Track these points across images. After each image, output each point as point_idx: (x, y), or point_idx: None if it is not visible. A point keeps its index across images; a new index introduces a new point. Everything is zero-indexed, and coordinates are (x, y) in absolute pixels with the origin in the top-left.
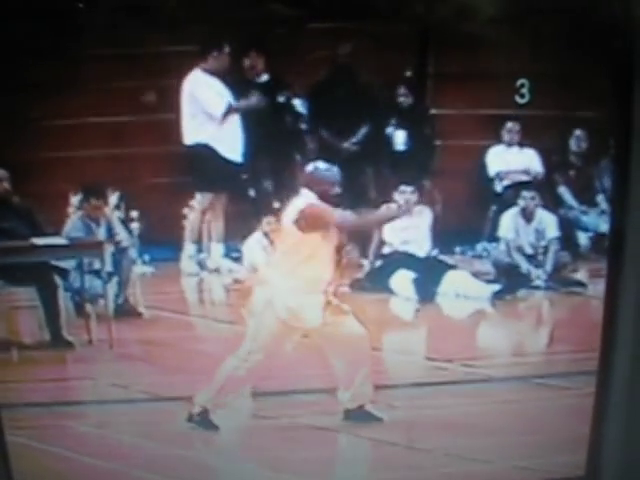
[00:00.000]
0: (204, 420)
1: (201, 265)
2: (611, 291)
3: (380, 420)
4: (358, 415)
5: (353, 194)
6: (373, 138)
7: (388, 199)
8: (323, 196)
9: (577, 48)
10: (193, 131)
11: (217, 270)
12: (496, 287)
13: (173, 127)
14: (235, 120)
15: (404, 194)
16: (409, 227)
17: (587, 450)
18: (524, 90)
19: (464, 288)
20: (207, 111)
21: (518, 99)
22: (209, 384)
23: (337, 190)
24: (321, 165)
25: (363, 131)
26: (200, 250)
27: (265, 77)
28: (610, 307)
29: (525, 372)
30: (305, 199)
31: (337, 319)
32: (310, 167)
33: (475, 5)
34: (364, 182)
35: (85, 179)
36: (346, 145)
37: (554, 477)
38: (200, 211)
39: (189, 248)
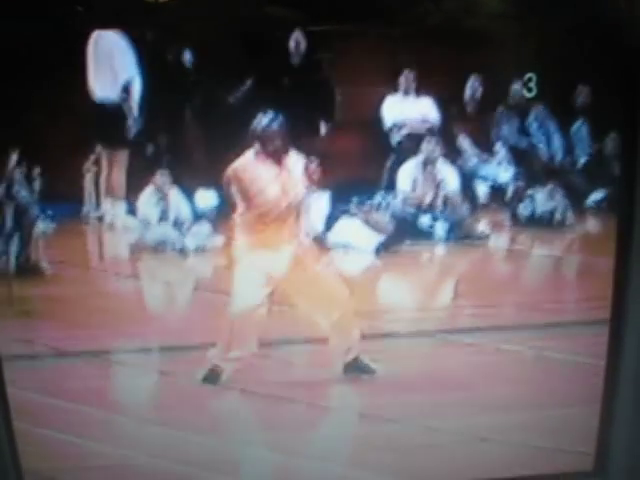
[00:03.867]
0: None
1: (100, 220)
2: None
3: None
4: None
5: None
6: (261, 87)
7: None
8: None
9: None
10: (101, 88)
11: (113, 226)
12: (381, 238)
13: (76, 83)
14: (135, 75)
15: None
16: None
17: (595, 446)
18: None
19: (353, 240)
20: (118, 69)
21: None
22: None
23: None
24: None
25: (250, 83)
26: (98, 205)
27: (160, 33)
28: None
29: (431, 327)
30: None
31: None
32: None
33: None
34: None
35: None
36: (233, 97)
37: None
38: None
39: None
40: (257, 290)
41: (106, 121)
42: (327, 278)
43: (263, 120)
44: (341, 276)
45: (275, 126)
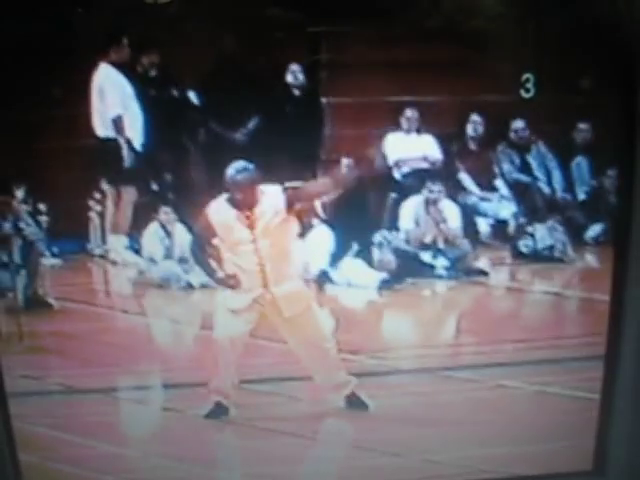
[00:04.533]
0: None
1: (105, 256)
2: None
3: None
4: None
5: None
6: (264, 128)
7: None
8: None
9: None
10: (102, 124)
11: (119, 262)
12: (384, 276)
13: (81, 121)
14: (137, 114)
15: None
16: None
17: (594, 445)
18: None
19: (357, 277)
20: (108, 104)
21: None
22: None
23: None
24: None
25: (254, 121)
26: (103, 242)
27: (159, 72)
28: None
29: (433, 364)
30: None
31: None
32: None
33: None
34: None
35: None
36: (237, 136)
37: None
38: (106, 203)
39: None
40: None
41: (108, 158)
42: (308, 321)
43: (233, 168)
44: (339, 313)
45: (246, 175)
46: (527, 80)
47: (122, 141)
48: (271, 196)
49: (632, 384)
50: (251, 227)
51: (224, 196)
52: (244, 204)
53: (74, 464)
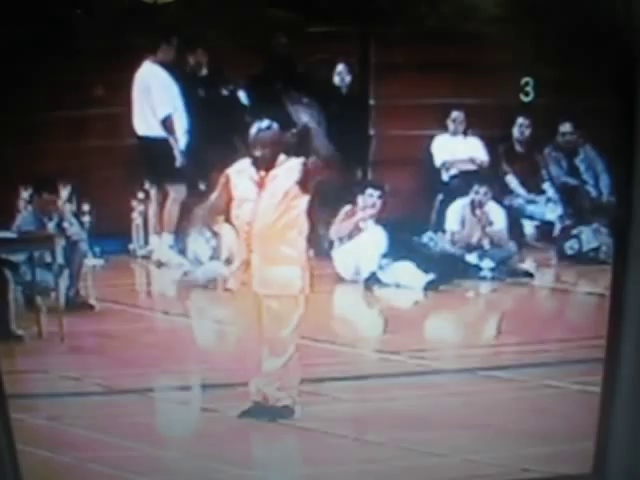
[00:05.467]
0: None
1: (149, 257)
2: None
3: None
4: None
5: None
6: (313, 130)
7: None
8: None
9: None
10: (144, 123)
11: (163, 263)
12: (430, 277)
13: (124, 120)
14: (184, 113)
15: (371, 197)
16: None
17: (594, 447)
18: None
19: (403, 278)
20: (156, 104)
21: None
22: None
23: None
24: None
25: (301, 122)
26: (146, 242)
27: (208, 70)
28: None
29: (474, 364)
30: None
31: None
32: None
33: None
34: None
35: (36, 173)
36: (287, 137)
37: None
38: (150, 203)
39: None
40: None
41: (153, 157)
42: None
43: (257, 125)
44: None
45: (268, 133)
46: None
47: (172, 140)
48: (290, 167)
49: (632, 387)
50: (260, 186)
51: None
52: (261, 163)
53: (111, 465)
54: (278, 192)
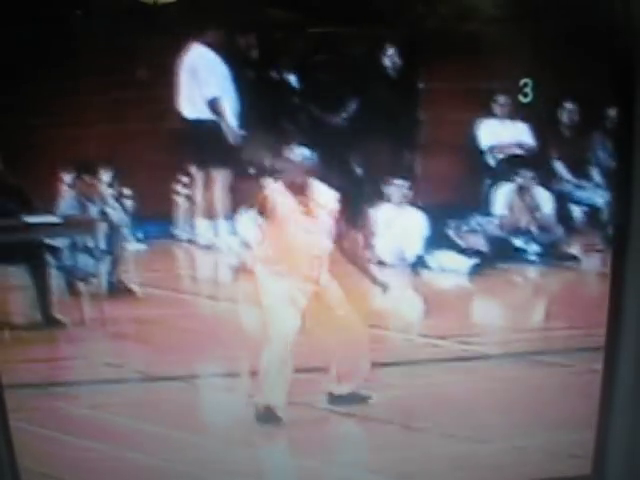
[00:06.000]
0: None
1: (192, 241)
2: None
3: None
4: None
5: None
6: (364, 113)
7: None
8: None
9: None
10: (191, 106)
11: (208, 247)
12: (475, 261)
13: (169, 103)
14: (232, 96)
15: (400, 188)
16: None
17: (593, 448)
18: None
19: (449, 262)
20: (203, 86)
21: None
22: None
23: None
24: (299, 151)
25: (353, 105)
26: (192, 227)
27: (258, 53)
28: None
29: (522, 349)
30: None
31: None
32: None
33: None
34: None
35: (78, 157)
36: (336, 120)
37: (560, 476)
38: (196, 187)
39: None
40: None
41: (200, 140)
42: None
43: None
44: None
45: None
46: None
47: (220, 123)
48: (326, 196)
49: (631, 387)
50: (309, 215)
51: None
52: (303, 191)
53: (152, 455)
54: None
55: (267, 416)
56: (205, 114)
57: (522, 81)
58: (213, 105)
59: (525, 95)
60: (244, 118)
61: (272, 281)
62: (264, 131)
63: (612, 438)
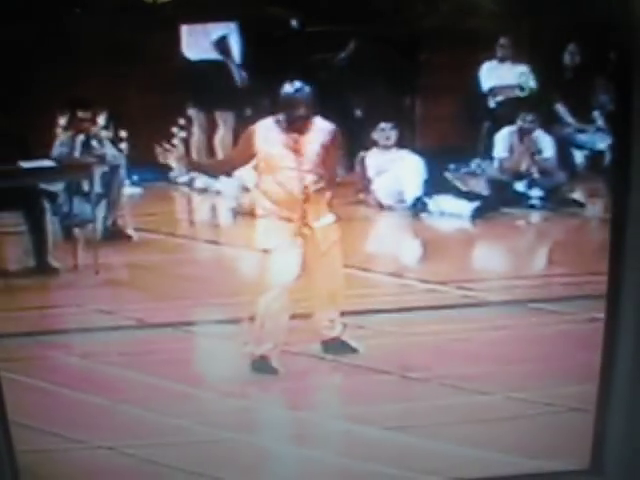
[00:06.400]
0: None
1: (189, 185)
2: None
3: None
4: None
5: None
6: (362, 53)
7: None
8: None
9: None
10: (194, 45)
11: (206, 191)
12: (476, 204)
13: (169, 42)
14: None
15: (397, 130)
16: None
17: (591, 443)
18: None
19: (449, 206)
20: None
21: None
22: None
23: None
24: (291, 86)
25: (351, 46)
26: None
27: None
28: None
29: (522, 296)
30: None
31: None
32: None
33: None
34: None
35: (73, 97)
36: (334, 59)
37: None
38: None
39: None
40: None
41: (201, 82)
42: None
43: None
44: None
45: (302, 95)
46: None
47: (228, 62)
48: (322, 129)
49: (630, 381)
50: (297, 152)
51: (272, 118)
52: (293, 127)
53: (145, 406)
54: (313, 156)
55: (262, 366)
56: (207, 54)
57: (523, 22)
58: (220, 45)
59: (527, 37)
60: (247, 57)
61: (267, 223)
62: (263, 69)
63: (610, 431)
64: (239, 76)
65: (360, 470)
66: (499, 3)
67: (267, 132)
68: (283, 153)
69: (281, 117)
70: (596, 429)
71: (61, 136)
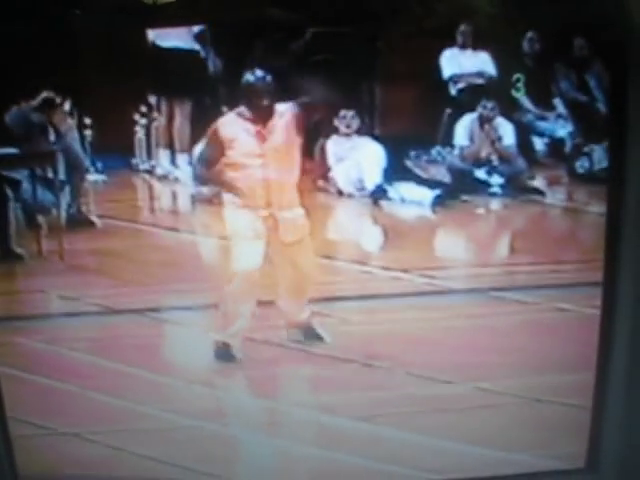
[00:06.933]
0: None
1: (150, 172)
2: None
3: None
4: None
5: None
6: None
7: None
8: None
9: None
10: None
11: (167, 177)
12: (437, 192)
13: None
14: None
15: (344, 119)
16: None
17: (587, 442)
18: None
19: (409, 194)
20: None
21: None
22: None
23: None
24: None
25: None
26: (150, 157)
27: None
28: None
29: (485, 284)
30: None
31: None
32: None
33: None
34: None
35: (37, 83)
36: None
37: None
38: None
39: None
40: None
41: (165, 69)
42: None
43: (251, 75)
44: (390, 230)
45: (264, 84)
46: None
47: (203, 54)
48: (284, 112)
49: (625, 377)
50: (262, 141)
51: (234, 110)
52: (256, 116)
53: (111, 393)
54: (280, 143)
55: (224, 353)
56: (175, 42)
57: (485, 9)
58: (200, 37)
59: (487, 24)
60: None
61: (232, 211)
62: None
63: (606, 430)
64: (213, 65)
65: (326, 459)
66: None
67: (230, 126)
68: (249, 143)
69: (243, 108)
70: (592, 427)
71: (24, 123)
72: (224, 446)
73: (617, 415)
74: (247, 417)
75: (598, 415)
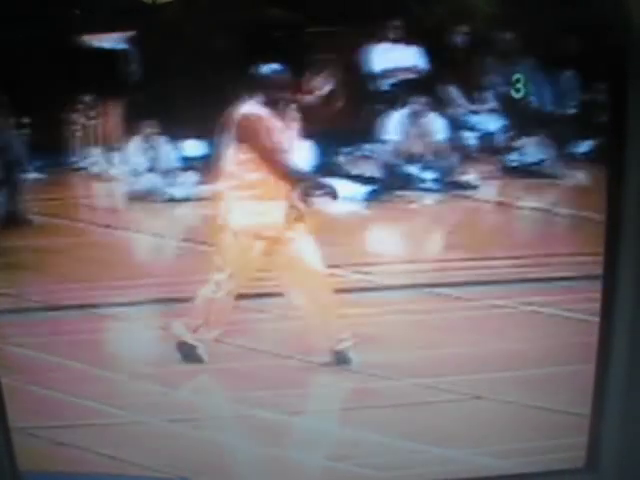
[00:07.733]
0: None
1: (88, 170)
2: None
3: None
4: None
5: None
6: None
7: None
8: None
9: None
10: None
11: (103, 175)
12: (370, 188)
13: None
14: None
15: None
16: None
17: (586, 442)
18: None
19: (342, 190)
20: None
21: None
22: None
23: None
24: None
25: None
26: (86, 155)
27: None
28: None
29: (419, 280)
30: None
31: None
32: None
33: None
34: None
35: None
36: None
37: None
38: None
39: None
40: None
41: (97, 69)
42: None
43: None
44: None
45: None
46: None
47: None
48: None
49: (624, 376)
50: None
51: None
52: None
53: (55, 388)
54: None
55: (191, 354)
56: (103, 42)
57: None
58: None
59: (417, 18)
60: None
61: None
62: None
63: (605, 429)
64: (125, 67)
65: (262, 455)
66: None
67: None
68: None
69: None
70: (591, 428)
71: None
72: (167, 439)
73: (616, 415)
74: (192, 412)
75: (598, 414)
